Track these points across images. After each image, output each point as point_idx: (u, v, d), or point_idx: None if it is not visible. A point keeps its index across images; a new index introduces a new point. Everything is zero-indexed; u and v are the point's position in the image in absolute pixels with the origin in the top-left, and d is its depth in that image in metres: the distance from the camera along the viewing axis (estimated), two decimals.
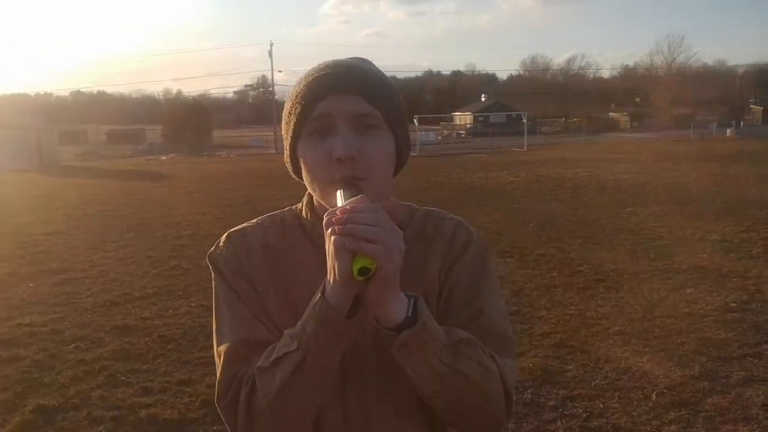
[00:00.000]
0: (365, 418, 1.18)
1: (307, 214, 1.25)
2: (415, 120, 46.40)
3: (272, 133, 58.52)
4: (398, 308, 1.03)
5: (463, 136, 67.66)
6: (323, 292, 1.02)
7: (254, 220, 1.29)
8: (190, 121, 59.75)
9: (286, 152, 1.23)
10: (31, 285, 8.16)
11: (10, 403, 4.67)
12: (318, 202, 1.21)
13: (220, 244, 1.26)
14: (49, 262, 9.54)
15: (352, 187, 1.09)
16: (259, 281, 1.19)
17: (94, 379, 5.05)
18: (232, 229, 1.28)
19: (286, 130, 1.22)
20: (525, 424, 4.13)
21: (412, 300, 1.06)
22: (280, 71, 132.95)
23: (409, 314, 1.04)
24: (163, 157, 45.08)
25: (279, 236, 1.24)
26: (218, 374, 1.15)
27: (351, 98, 1.12)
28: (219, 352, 1.17)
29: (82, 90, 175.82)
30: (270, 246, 1.22)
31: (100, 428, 4.27)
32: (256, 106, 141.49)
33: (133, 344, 5.71)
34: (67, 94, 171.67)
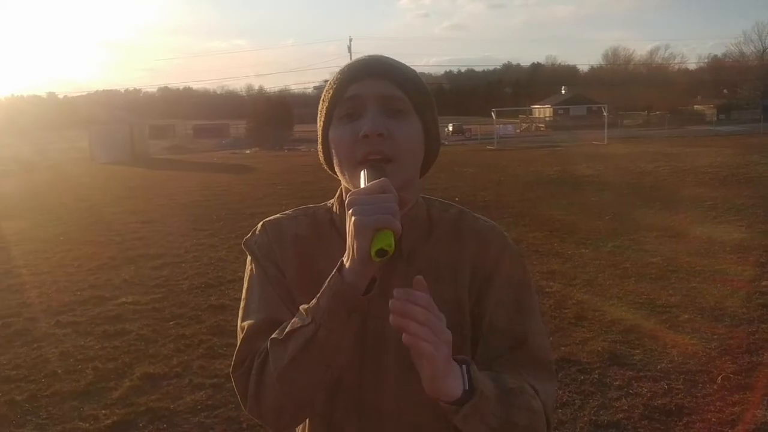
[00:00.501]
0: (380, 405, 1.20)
1: (336, 209, 1.28)
2: (492, 113, 46.25)
3: None
4: (454, 384, 1.03)
5: (542, 129, 66.96)
6: (339, 269, 1.04)
7: (289, 211, 1.32)
8: (272, 116, 61.11)
9: (319, 140, 1.26)
10: (132, 268, 8.84)
11: (120, 370, 5.23)
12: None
13: (256, 231, 1.30)
14: (147, 248, 10.25)
15: (377, 169, 1.10)
16: (287, 269, 1.23)
17: (194, 351, 5.56)
18: (267, 219, 1.32)
19: (319, 118, 1.25)
20: (591, 401, 4.38)
21: (464, 367, 1.05)
22: None
23: (466, 387, 1.04)
24: (247, 151, 46.33)
25: (310, 228, 1.26)
26: (237, 346, 1.17)
27: (381, 82, 1.16)
28: (242, 326, 1.20)
29: (169, 86, 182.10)
30: (300, 237, 1.25)
31: (201, 393, 4.74)
32: None
33: (228, 321, 6.21)
34: (155, 90, 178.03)
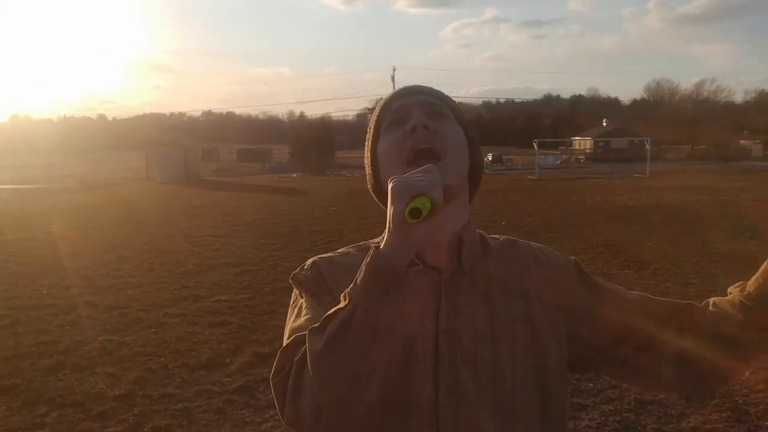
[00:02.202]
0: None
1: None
2: (534, 144, 47.01)
3: None
4: None
5: (582, 160, 67.37)
6: (377, 246, 1.01)
7: (341, 249, 1.29)
8: (315, 142, 62.69)
9: (368, 163, 1.29)
10: (217, 273, 9.88)
11: (232, 350, 6.18)
12: None
13: (305, 267, 1.27)
14: (225, 258, 11.29)
15: (425, 160, 1.11)
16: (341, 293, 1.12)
17: None
18: (318, 256, 1.28)
19: (367, 140, 1.29)
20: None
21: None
22: None
23: None
24: (294, 175, 47.79)
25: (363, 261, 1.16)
26: (279, 353, 1.11)
27: (420, 96, 1.25)
28: (288, 334, 1.16)
29: (213, 111, 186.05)
30: (355, 265, 1.09)
31: None
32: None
33: None
34: (199, 114, 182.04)
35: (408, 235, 0.98)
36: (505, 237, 1.33)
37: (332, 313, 1.02)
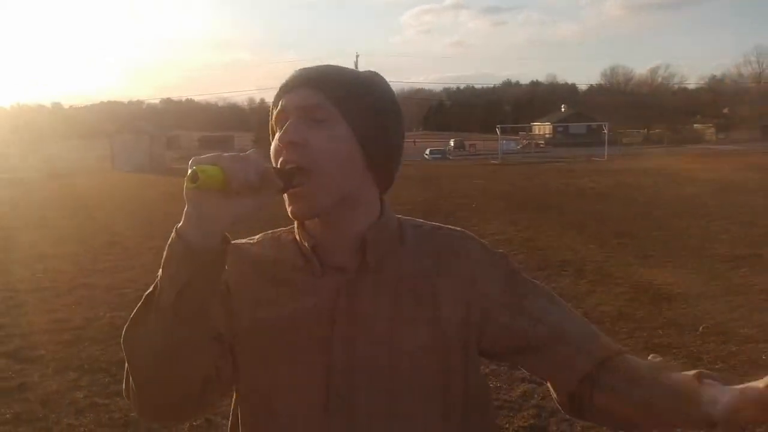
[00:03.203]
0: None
1: (296, 225, 1.20)
2: (497, 129, 47.92)
3: None
4: None
5: (542, 146, 68.64)
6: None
7: (257, 236, 1.27)
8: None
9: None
10: None
11: None
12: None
13: None
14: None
15: (285, 172, 1.05)
16: (234, 285, 1.16)
17: None
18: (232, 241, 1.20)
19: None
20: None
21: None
22: None
23: None
24: None
25: (273, 249, 1.20)
26: None
27: (307, 91, 1.10)
28: None
29: (172, 98, 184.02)
30: (261, 257, 1.19)
31: None
32: None
33: None
34: (158, 101, 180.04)
35: (197, 210, 0.95)
36: (431, 225, 1.24)
37: (147, 294, 1.00)
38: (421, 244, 1.19)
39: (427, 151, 55.45)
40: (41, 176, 33.27)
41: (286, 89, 1.13)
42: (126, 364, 1.05)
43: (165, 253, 0.98)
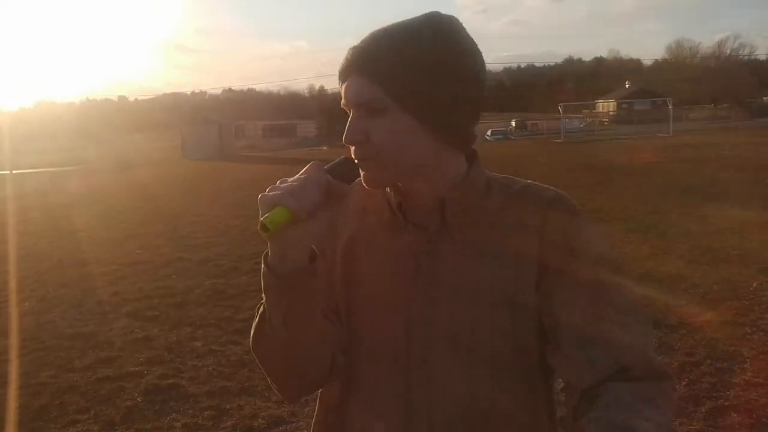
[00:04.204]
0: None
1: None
2: (560, 107, 47.65)
3: None
4: None
5: (605, 123, 67.77)
6: (266, 255, 1.04)
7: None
8: (340, 115, 63.67)
9: None
10: None
11: None
12: None
13: None
14: None
15: (344, 163, 1.07)
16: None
17: None
18: None
19: None
20: None
21: None
22: None
23: None
24: (324, 148, 48.93)
25: (363, 195, 1.21)
26: None
27: (356, 83, 1.09)
28: None
29: (233, 88, 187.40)
30: (352, 202, 1.22)
31: None
32: None
33: None
34: (220, 92, 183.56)
35: (277, 243, 1.01)
36: (522, 184, 1.19)
37: (259, 305, 1.11)
38: (508, 204, 1.15)
39: (489, 132, 55.50)
40: (116, 166, 34.85)
41: (342, 76, 1.13)
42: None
43: (262, 281, 1.05)
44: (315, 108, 79.22)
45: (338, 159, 1.07)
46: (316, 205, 0.99)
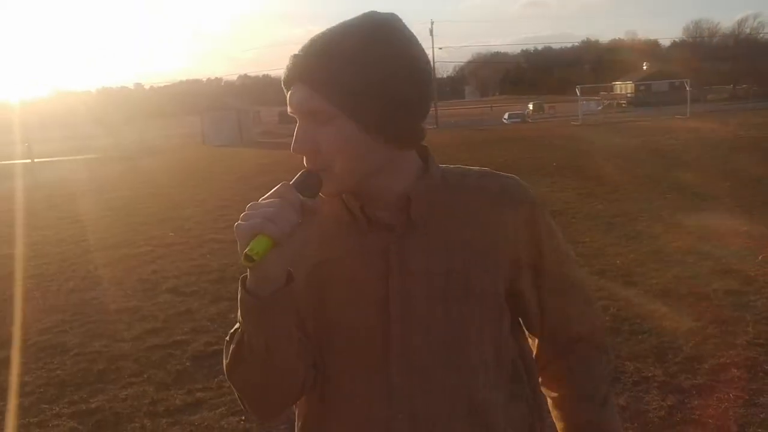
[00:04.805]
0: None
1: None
2: (577, 90, 47.64)
3: (434, 109, 61.49)
4: None
5: (623, 105, 67.54)
6: (243, 279, 1.05)
7: None
8: None
9: None
10: None
11: None
12: None
13: None
14: None
15: (308, 174, 1.08)
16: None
17: None
18: None
19: None
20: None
21: None
22: (440, 48, 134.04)
23: None
24: None
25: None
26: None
27: (299, 92, 1.09)
28: None
29: (249, 74, 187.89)
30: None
31: None
32: None
33: None
34: (235, 78, 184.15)
35: (260, 269, 1.01)
36: (478, 172, 1.24)
37: (234, 330, 1.11)
38: (470, 195, 1.19)
39: (506, 115, 55.65)
40: (138, 153, 35.44)
41: (286, 83, 1.12)
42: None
43: (240, 306, 1.05)
44: None
45: (300, 173, 1.08)
46: (294, 226, 1.00)
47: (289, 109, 1.12)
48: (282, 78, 1.13)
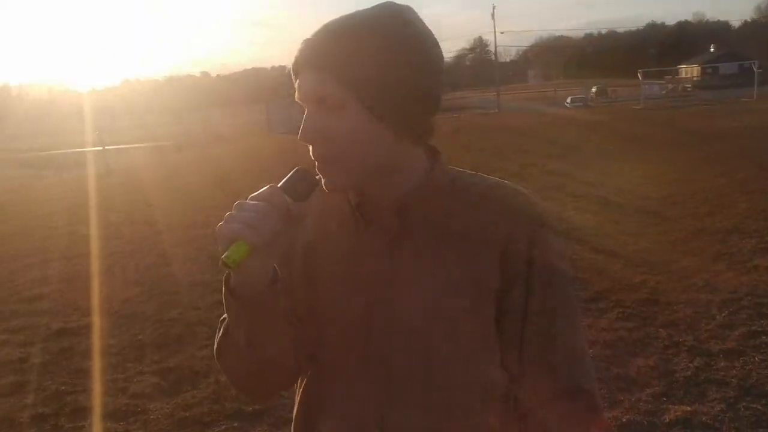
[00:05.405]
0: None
1: None
2: (639, 74, 46.84)
3: (495, 94, 61.22)
4: None
5: (688, 89, 65.91)
6: (228, 276, 1.05)
7: None
8: None
9: None
10: None
11: None
12: None
13: None
14: None
15: (302, 171, 1.06)
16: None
17: None
18: None
19: None
20: None
21: None
22: (502, 33, 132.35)
23: None
24: None
25: (320, 196, 1.11)
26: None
27: (311, 77, 1.04)
28: None
29: None
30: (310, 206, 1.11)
31: None
32: (472, 68, 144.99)
33: None
34: None
35: (240, 274, 1.01)
36: (486, 183, 1.16)
37: (223, 318, 1.14)
38: (472, 207, 1.12)
39: (568, 99, 55.04)
40: (205, 140, 36.44)
41: (297, 70, 1.07)
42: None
43: (224, 301, 1.07)
44: None
45: (292, 171, 1.06)
46: (276, 233, 0.99)
47: (297, 96, 1.08)
48: (292, 64, 1.10)
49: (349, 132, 1.04)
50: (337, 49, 1.02)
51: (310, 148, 1.07)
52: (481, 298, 1.08)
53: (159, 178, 18.94)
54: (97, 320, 6.06)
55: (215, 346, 1.16)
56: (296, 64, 1.08)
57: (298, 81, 1.07)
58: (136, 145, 39.14)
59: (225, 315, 1.12)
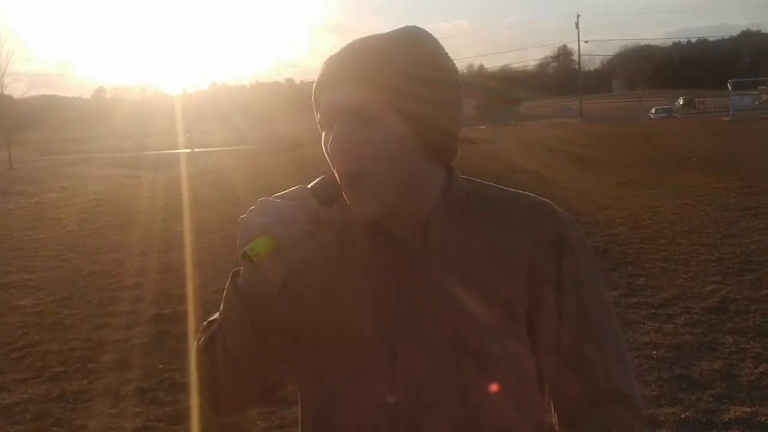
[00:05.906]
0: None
1: None
2: (728, 84, 45.35)
3: (577, 103, 60.44)
4: None
5: None
6: (234, 276, 1.04)
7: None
8: (500, 94, 63.73)
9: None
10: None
11: None
12: None
13: None
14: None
15: (328, 183, 1.04)
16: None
17: None
18: None
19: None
20: None
21: None
22: (586, 42, 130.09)
23: None
24: (482, 127, 49.36)
25: (343, 210, 1.08)
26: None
27: (345, 89, 1.02)
28: None
29: None
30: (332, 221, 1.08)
31: None
32: (556, 77, 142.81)
33: None
34: None
35: (257, 271, 0.98)
36: (508, 194, 1.14)
37: (209, 321, 1.11)
38: (494, 220, 1.09)
39: (653, 110, 53.88)
40: (289, 145, 37.18)
41: (327, 84, 1.05)
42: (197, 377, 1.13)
43: (224, 300, 1.04)
44: (475, 87, 79.26)
45: (319, 179, 1.04)
46: (303, 234, 0.97)
47: (324, 113, 1.06)
48: (317, 82, 1.08)
49: (381, 144, 1.02)
50: (368, 60, 1.03)
51: (339, 163, 1.05)
52: (509, 314, 1.06)
53: (245, 178, 19.56)
54: (191, 308, 6.43)
55: (196, 346, 1.12)
56: (325, 79, 1.06)
57: (326, 95, 1.05)
58: (225, 147, 40.19)
59: (214, 316, 1.10)
